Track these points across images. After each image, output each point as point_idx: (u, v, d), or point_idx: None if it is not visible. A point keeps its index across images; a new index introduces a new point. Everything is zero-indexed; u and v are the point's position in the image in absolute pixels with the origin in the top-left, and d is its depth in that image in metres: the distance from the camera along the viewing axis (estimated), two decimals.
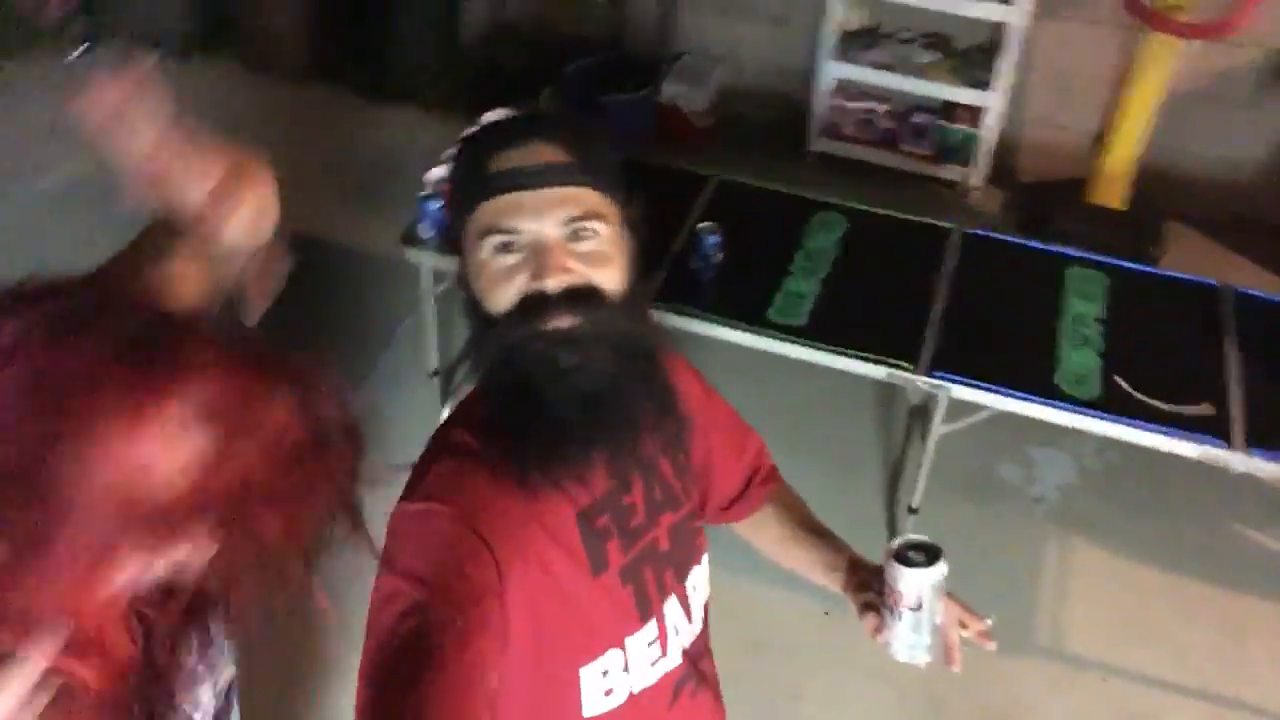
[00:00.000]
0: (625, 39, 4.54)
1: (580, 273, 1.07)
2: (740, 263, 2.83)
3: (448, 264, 2.85)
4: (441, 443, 1.16)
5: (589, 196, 1.09)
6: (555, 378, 1.06)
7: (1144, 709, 2.61)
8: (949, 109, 4.08)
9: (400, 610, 1.01)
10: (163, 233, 1.15)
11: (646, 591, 1.20)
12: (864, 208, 3.09)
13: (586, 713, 1.18)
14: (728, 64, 4.41)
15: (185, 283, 1.13)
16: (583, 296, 1.06)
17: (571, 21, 4.56)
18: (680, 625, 1.26)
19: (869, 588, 1.29)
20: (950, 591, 1.25)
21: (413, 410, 3.12)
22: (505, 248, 1.07)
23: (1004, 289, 2.87)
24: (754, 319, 2.72)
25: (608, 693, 1.19)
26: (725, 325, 2.72)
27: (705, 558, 1.32)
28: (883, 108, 4.18)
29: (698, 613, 1.30)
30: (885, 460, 3.15)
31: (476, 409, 1.16)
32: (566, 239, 1.07)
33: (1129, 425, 2.50)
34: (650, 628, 1.21)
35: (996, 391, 2.57)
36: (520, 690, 1.12)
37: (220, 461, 0.75)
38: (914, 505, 2.88)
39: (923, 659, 1.25)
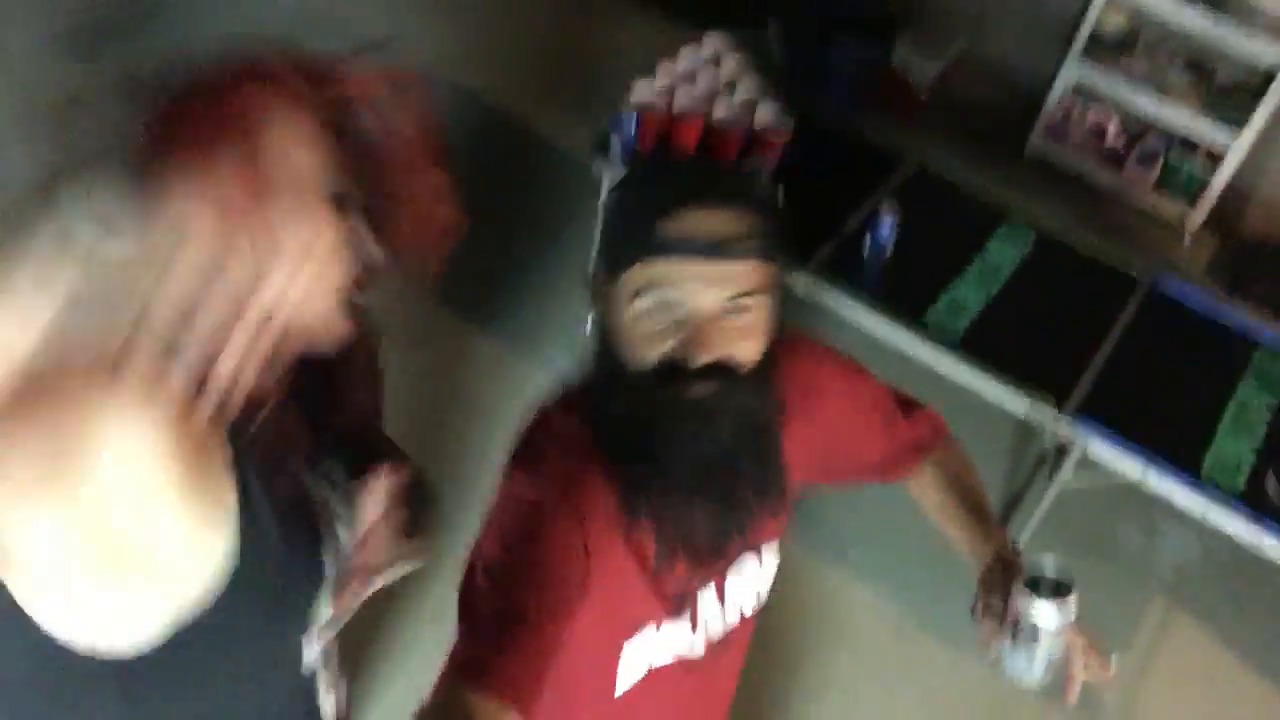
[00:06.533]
0: None
1: (725, 348, 1.05)
2: (913, 256, 2.77)
3: None
4: (559, 430, 1.16)
5: (755, 271, 1.06)
6: (676, 444, 1.07)
7: None
8: (1188, 141, 3.82)
9: (494, 580, 1.05)
10: None
11: (690, 588, 1.23)
12: (1056, 232, 2.94)
13: (619, 693, 1.23)
14: (969, 36, 4.22)
15: None
16: (721, 370, 1.05)
17: None
18: (712, 620, 1.27)
19: (998, 590, 1.22)
20: (1079, 623, 1.19)
21: (556, 308, 3.19)
22: (660, 309, 1.05)
23: (1178, 356, 2.73)
24: (910, 318, 2.66)
25: (636, 667, 1.23)
26: (879, 317, 2.67)
27: (768, 556, 1.31)
28: (1117, 123, 3.94)
29: (734, 609, 1.29)
30: (1003, 494, 3.05)
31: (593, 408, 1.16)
32: (724, 313, 1.05)
33: (1265, 531, 2.37)
34: (684, 620, 1.24)
35: (1135, 457, 2.47)
36: (567, 674, 1.16)
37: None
38: (1016, 545, 2.80)
39: (1028, 684, 1.22)
